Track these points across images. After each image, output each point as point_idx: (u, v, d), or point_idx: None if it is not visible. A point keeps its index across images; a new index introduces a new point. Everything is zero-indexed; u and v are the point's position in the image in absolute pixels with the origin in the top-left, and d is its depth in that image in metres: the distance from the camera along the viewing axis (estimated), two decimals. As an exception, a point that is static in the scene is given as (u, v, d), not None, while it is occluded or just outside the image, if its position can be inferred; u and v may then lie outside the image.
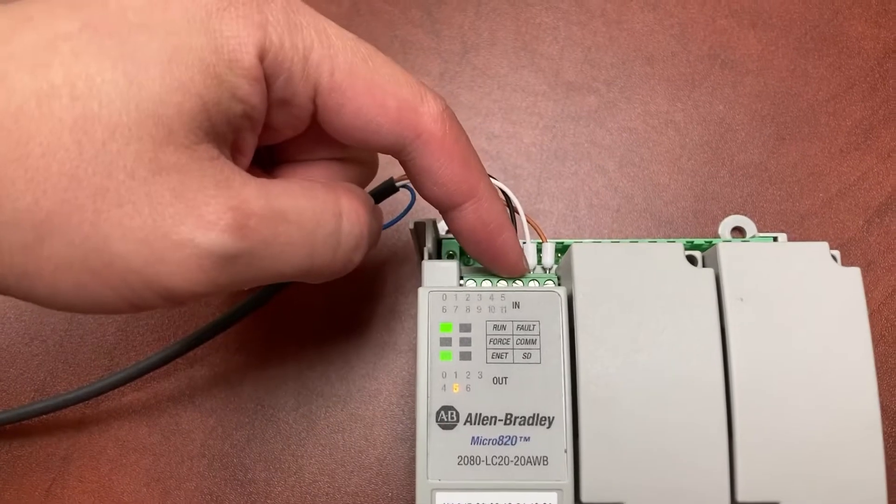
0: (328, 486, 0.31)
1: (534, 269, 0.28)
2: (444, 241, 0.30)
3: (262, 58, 0.20)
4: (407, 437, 0.31)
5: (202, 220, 0.19)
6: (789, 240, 0.31)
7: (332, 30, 0.22)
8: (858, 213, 0.34)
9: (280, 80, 0.21)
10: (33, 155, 0.18)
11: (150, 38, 0.19)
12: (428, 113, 0.23)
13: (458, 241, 0.26)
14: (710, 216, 0.34)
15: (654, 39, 0.37)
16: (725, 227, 0.33)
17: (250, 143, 0.22)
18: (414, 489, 0.31)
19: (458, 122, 0.24)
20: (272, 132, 0.24)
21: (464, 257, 0.29)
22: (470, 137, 0.35)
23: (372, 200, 0.26)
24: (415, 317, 0.33)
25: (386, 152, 0.24)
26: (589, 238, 0.32)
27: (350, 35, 0.22)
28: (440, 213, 0.25)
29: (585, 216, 0.34)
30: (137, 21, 0.19)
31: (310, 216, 0.22)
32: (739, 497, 0.23)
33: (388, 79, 0.22)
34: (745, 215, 0.33)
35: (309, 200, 0.22)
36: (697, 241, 0.28)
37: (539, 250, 0.28)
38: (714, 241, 0.28)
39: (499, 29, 0.37)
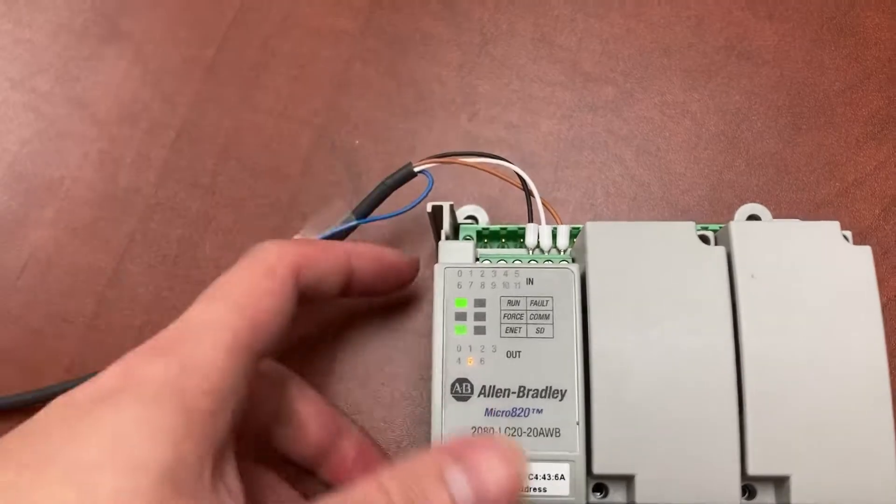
0: (347, 466, 0.31)
1: (549, 250, 0.28)
2: (461, 227, 0.30)
3: None
4: (425, 419, 0.32)
5: None
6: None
7: None
8: (875, 202, 0.34)
9: None
10: None
11: None
12: None
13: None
14: (725, 204, 0.34)
15: (671, 31, 0.37)
16: (741, 214, 0.33)
17: None
18: (431, 469, 0.31)
19: None
20: None
21: (480, 241, 0.30)
22: (488, 127, 0.36)
23: None
24: (432, 301, 0.34)
25: None
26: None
27: None
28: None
29: (602, 204, 0.35)
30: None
31: None
32: (750, 470, 0.23)
33: None
34: (761, 204, 0.34)
35: None
36: (713, 226, 0.29)
37: (554, 235, 0.29)
38: (728, 225, 0.29)
39: (517, 21, 0.38)
